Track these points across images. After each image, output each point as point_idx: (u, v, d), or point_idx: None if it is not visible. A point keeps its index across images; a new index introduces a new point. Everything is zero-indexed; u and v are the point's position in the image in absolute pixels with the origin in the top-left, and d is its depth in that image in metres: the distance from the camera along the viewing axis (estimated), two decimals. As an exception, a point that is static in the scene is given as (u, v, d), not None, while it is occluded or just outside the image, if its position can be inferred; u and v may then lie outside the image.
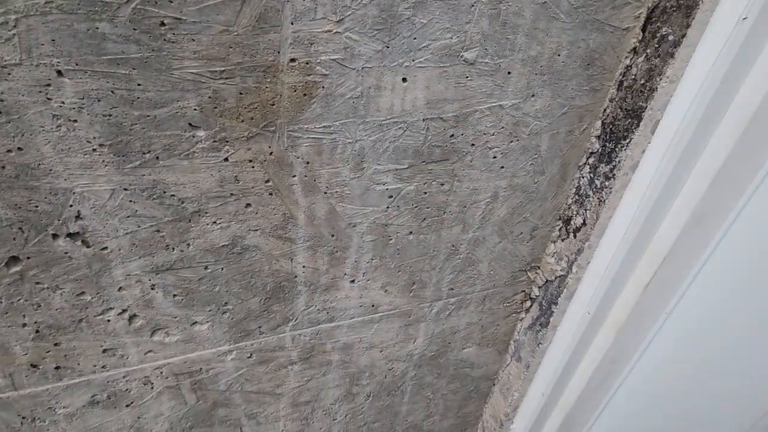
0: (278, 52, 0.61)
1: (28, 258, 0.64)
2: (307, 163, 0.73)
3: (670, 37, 0.78)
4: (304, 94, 0.66)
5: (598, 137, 0.94)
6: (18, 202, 0.59)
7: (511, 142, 0.86)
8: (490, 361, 1.36)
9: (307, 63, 0.63)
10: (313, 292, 0.90)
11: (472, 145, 0.83)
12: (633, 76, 0.85)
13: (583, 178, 1.00)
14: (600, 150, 0.95)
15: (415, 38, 0.67)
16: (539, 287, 1.20)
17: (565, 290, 1.12)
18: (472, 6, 0.67)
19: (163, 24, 0.54)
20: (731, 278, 0.96)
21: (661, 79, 0.81)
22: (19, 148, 0.56)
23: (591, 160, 0.97)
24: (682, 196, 0.92)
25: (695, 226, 0.93)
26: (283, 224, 0.78)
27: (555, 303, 1.15)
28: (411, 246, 0.93)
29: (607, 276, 1.04)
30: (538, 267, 1.17)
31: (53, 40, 0.51)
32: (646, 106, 0.84)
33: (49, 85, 0.53)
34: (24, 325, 0.70)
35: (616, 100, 0.89)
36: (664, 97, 0.82)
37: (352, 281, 0.93)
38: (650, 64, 0.82)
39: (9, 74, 0.52)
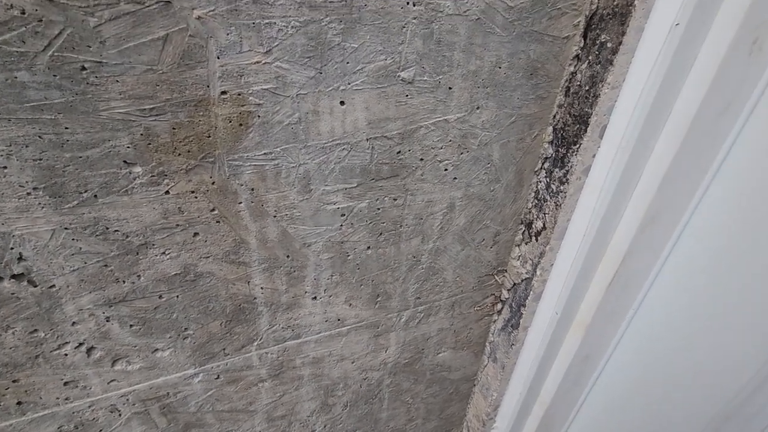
0: (208, 86, 0.61)
1: (-25, 301, 0.65)
2: (252, 189, 0.73)
3: (609, 44, 0.78)
4: (240, 124, 0.66)
5: (551, 143, 0.95)
6: (-43, 248, 0.60)
7: (462, 153, 0.87)
8: (468, 363, 1.37)
9: (239, 94, 0.64)
10: (275, 312, 0.91)
11: (421, 159, 0.84)
12: (578, 83, 0.86)
13: (540, 182, 1.01)
14: (554, 155, 0.95)
15: (348, 62, 0.67)
16: (508, 290, 1.21)
17: (531, 292, 1.13)
18: (403, 27, 0.67)
19: (83, 68, 0.54)
20: (692, 273, 0.97)
21: (603, 86, 0.81)
22: (-49, 198, 0.56)
23: (546, 165, 0.98)
24: (635, 198, 0.93)
25: (651, 225, 0.95)
26: (234, 249, 0.79)
27: (523, 305, 1.16)
28: (370, 260, 0.94)
29: (570, 277, 1.05)
30: (505, 270, 1.18)
31: (-28, 92, 0.51)
32: (592, 112, 0.85)
33: (-27, 135, 0.54)
34: (-21, 364, 0.71)
35: (565, 106, 0.89)
36: (608, 103, 0.83)
37: (314, 298, 0.94)
38: (592, 70, 0.82)
39: (-66, 126, 0.52)
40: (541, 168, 0.99)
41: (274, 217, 0.78)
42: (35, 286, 0.67)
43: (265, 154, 0.71)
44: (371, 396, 1.25)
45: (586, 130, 0.87)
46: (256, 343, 0.94)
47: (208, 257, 0.77)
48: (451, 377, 1.38)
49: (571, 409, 1.39)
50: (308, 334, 0.99)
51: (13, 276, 0.65)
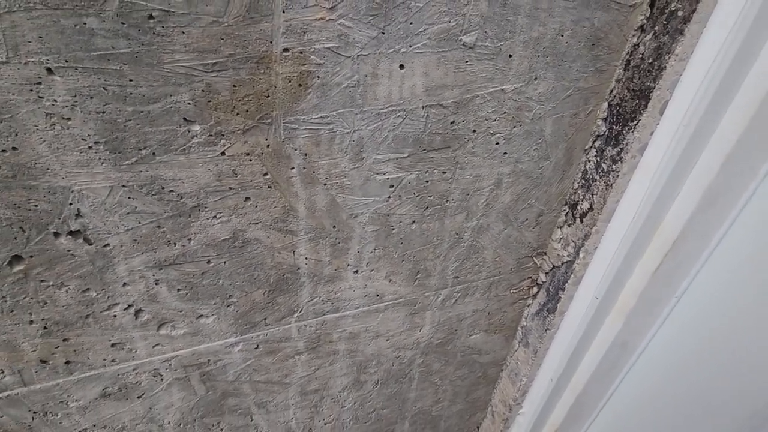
0: (271, 42, 0.60)
1: (31, 257, 0.65)
2: (305, 154, 0.72)
3: (680, 13, 0.74)
4: (299, 85, 0.65)
5: (605, 119, 0.91)
6: (17, 201, 0.60)
7: (514, 127, 0.84)
8: (498, 347, 1.36)
9: (301, 52, 0.62)
10: (316, 284, 0.90)
11: (474, 131, 0.81)
12: (640, 55, 0.82)
13: (589, 161, 0.98)
14: (607, 133, 0.92)
15: (411, 23, 0.65)
16: (546, 273, 1.18)
17: (572, 276, 1.10)
18: (470, -13, 0.65)
19: (151, 17, 0.53)
20: (743, 262, 0.93)
21: (669, 58, 0.78)
22: (14, 148, 0.56)
23: (597, 144, 0.95)
24: (692, 179, 0.89)
25: (706, 209, 0.91)
26: (283, 217, 0.78)
27: (562, 289, 1.14)
28: (414, 235, 0.92)
29: (615, 261, 1.02)
30: (545, 253, 1.15)
31: (40, 37, 0.50)
32: (654, 86, 0.81)
33: (39, 83, 0.53)
34: (31, 322, 0.71)
35: (623, 80, 0.86)
36: (673, 76, 0.79)
37: (356, 272, 0.93)
38: (658, 41, 0.78)
39: None
40: (592, 147, 0.96)
41: (325, 185, 0.77)
42: (90, 244, 0.67)
43: (321, 117, 0.69)
44: (402, 375, 1.24)
45: (646, 106, 0.83)
46: (296, 315, 0.93)
47: (257, 223, 0.76)
48: (480, 360, 1.36)
49: (602, 397, 1.37)
50: (347, 309, 0.98)
51: (70, 232, 0.65)
